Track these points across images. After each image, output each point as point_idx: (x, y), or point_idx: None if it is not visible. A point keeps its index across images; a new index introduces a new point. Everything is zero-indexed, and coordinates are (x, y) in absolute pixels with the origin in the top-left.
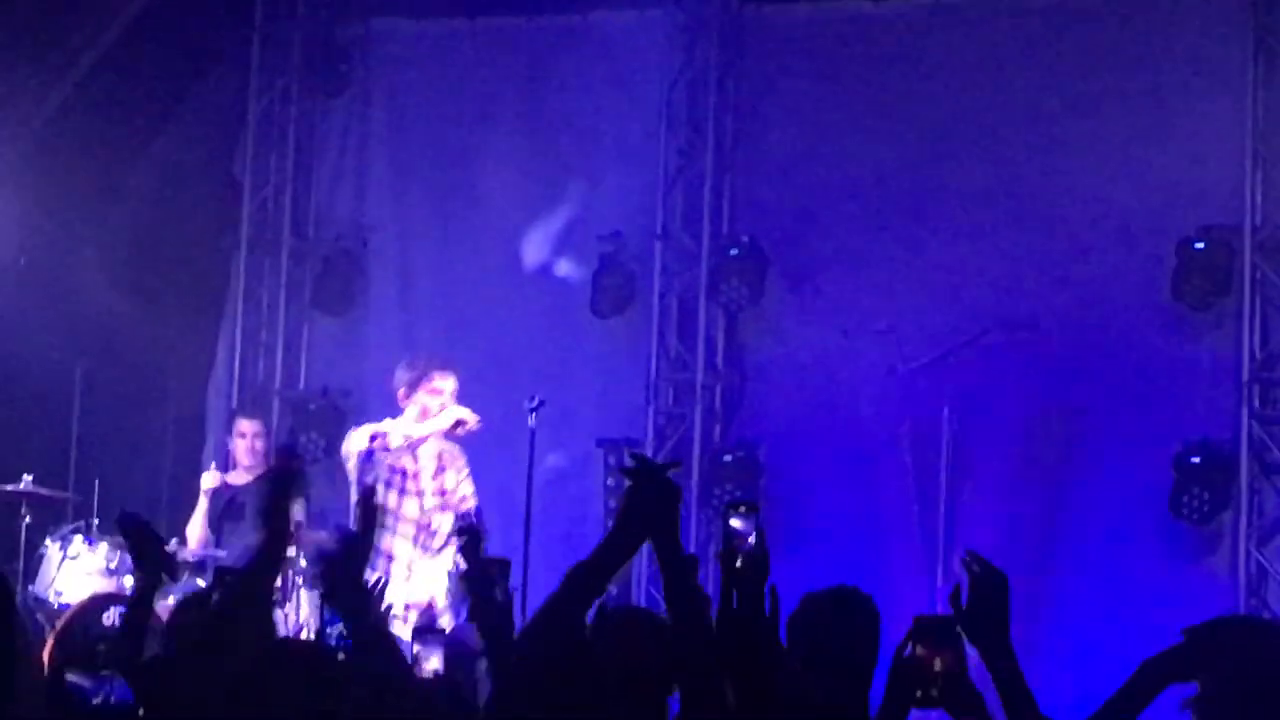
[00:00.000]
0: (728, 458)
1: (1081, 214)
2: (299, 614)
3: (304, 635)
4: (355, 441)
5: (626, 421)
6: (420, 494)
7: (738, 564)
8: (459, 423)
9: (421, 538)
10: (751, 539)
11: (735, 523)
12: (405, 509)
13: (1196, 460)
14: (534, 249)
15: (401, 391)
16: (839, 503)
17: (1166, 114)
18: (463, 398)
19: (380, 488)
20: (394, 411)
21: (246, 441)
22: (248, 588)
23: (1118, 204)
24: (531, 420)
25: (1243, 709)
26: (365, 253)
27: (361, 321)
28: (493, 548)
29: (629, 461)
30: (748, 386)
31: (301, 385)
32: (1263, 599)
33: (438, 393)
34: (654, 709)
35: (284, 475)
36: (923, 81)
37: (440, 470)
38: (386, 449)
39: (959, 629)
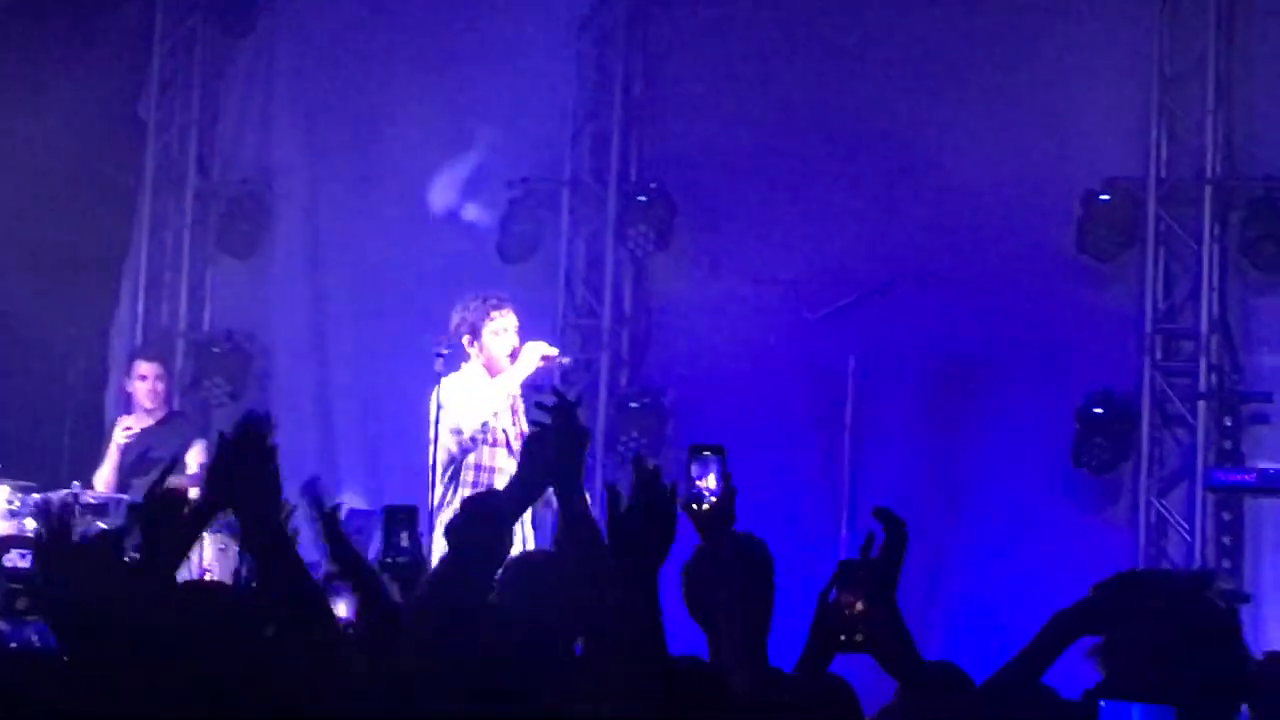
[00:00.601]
0: (634, 404)
1: (988, 166)
2: (203, 559)
3: (208, 578)
4: (469, 423)
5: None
6: (509, 444)
7: (699, 509)
8: (545, 357)
9: None
10: (712, 483)
11: (698, 467)
12: (499, 461)
13: (1099, 411)
14: (442, 194)
15: (467, 339)
16: (744, 449)
17: (1073, 65)
18: (368, 343)
19: (486, 450)
20: (303, 357)
21: (147, 384)
22: (177, 533)
23: (1024, 156)
24: (439, 365)
25: (1144, 659)
26: (272, 195)
27: (267, 264)
28: (399, 493)
29: (548, 400)
30: (654, 333)
31: (206, 328)
32: (1161, 548)
33: (502, 332)
34: (560, 656)
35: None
36: (831, 31)
37: (515, 414)
38: (496, 415)
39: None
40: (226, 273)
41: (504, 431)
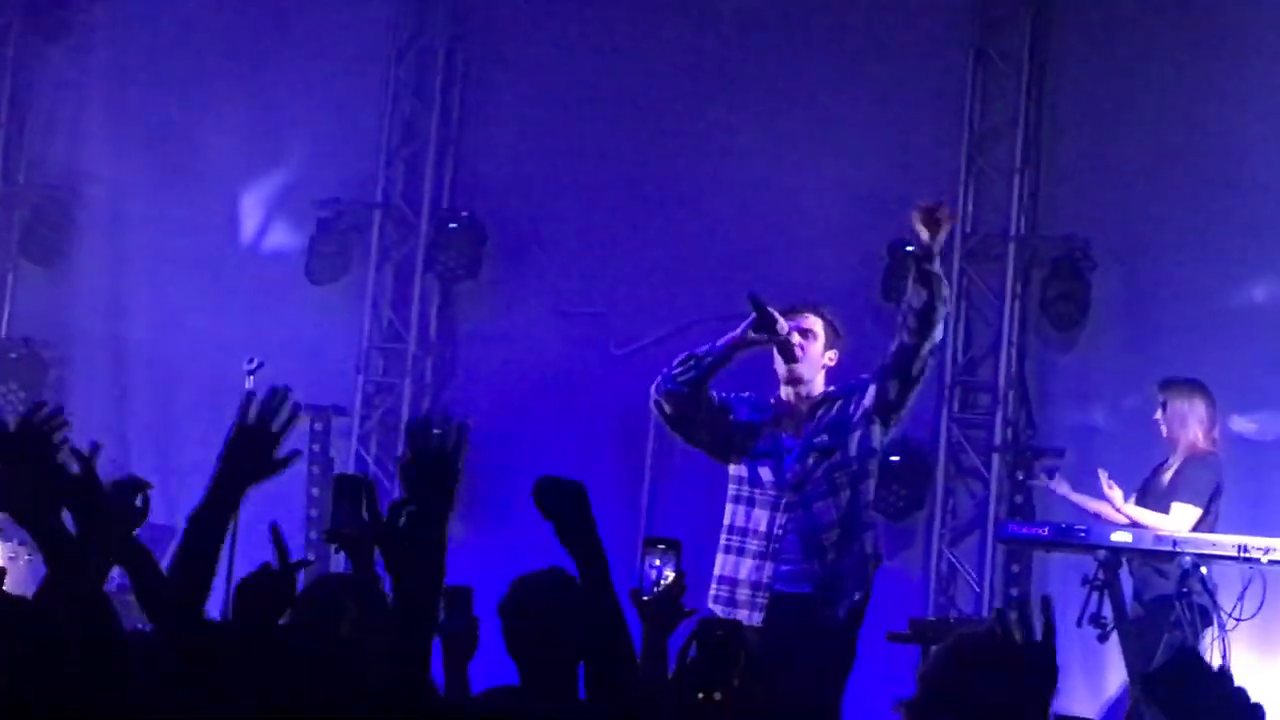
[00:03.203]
0: (436, 431)
1: (799, 210)
2: None
3: None
4: None
5: (336, 389)
6: None
7: (646, 600)
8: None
9: None
10: (667, 578)
11: (653, 560)
12: None
13: (896, 459)
14: (251, 212)
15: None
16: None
17: (886, 117)
18: (172, 361)
19: None
20: (101, 368)
21: None
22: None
23: (834, 202)
24: (249, 382)
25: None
26: (77, 204)
27: (70, 273)
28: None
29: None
30: (460, 360)
31: (3, 334)
32: (950, 597)
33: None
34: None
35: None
36: (649, 67)
37: None
38: None
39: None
40: (27, 279)
41: None
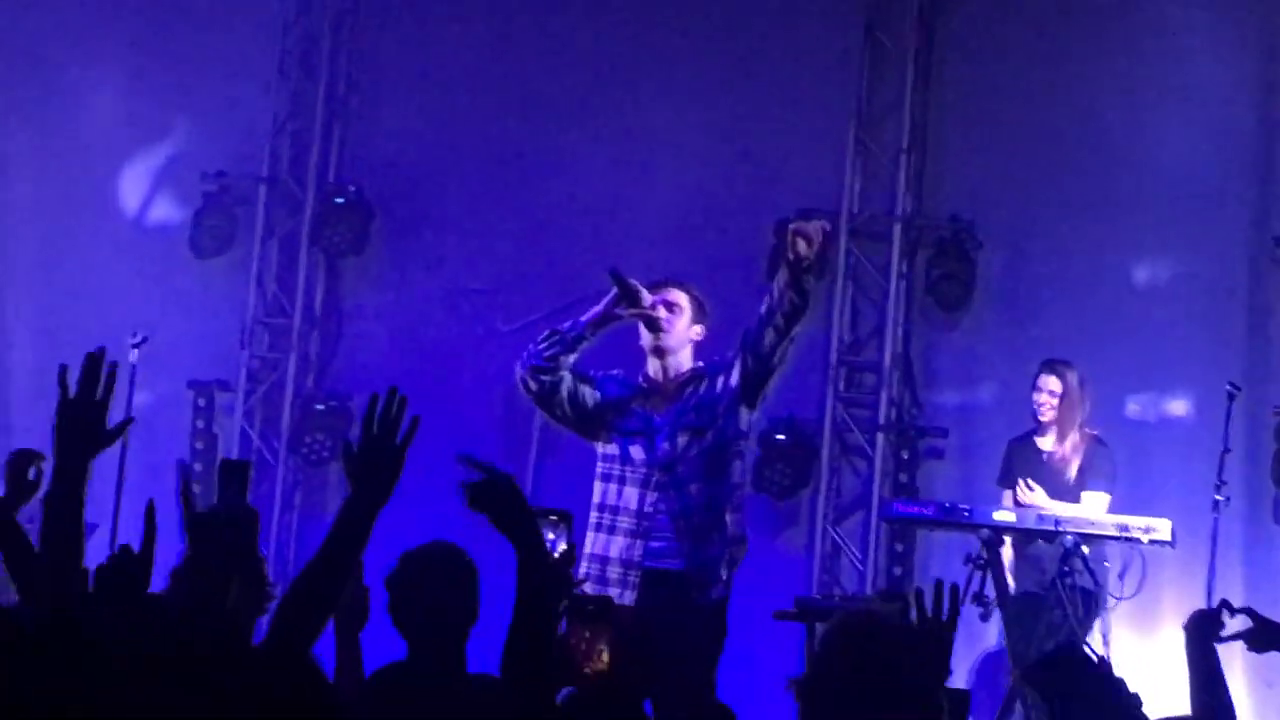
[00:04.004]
0: (320, 406)
1: (687, 189)
2: None
3: None
4: None
5: (220, 364)
6: None
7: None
8: None
9: None
10: (559, 549)
11: (544, 531)
12: None
13: (782, 437)
14: (135, 185)
15: None
16: (432, 458)
17: (775, 97)
18: (56, 334)
19: None
20: None
21: None
22: None
23: (722, 181)
24: (133, 356)
25: (837, 693)
26: None
27: None
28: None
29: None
30: (345, 336)
31: None
32: (834, 575)
33: None
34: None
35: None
36: (539, 42)
37: None
38: None
39: None
40: None
41: None
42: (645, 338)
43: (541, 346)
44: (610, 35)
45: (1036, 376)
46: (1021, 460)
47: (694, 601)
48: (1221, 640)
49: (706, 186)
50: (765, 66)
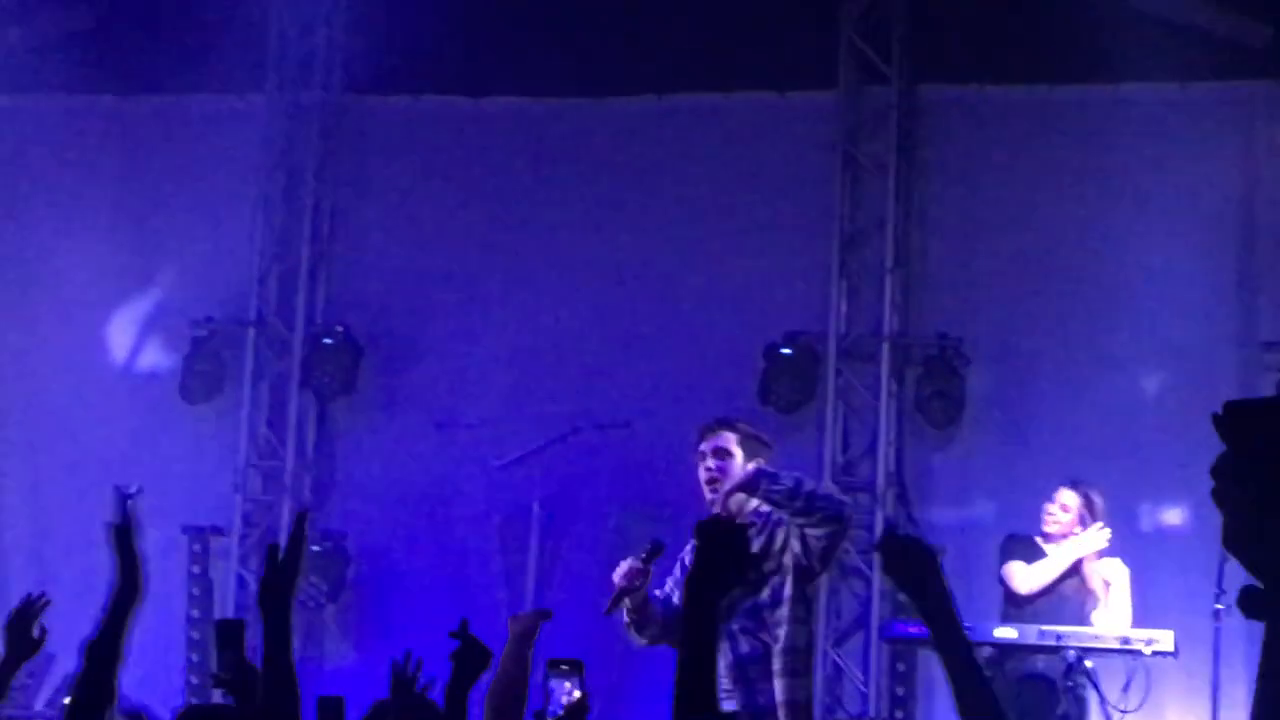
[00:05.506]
0: (316, 548)
1: (676, 315)
2: None
3: None
4: None
5: (214, 509)
6: None
7: None
8: None
9: None
10: (573, 696)
11: (557, 680)
12: None
13: None
14: (123, 333)
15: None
16: (428, 593)
17: (760, 221)
18: (48, 485)
19: None
20: None
21: None
22: None
23: (712, 308)
24: (130, 506)
25: None
26: None
27: None
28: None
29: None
30: (338, 476)
31: None
32: (837, 697)
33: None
34: None
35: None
36: (521, 177)
37: None
38: None
39: None
40: None
41: None
42: (706, 495)
43: (631, 635)
44: (591, 164)
45: (1056, 490)
46: (1021, 554)
47: None
48: None
49: (693, 315)
50: (746, 194)
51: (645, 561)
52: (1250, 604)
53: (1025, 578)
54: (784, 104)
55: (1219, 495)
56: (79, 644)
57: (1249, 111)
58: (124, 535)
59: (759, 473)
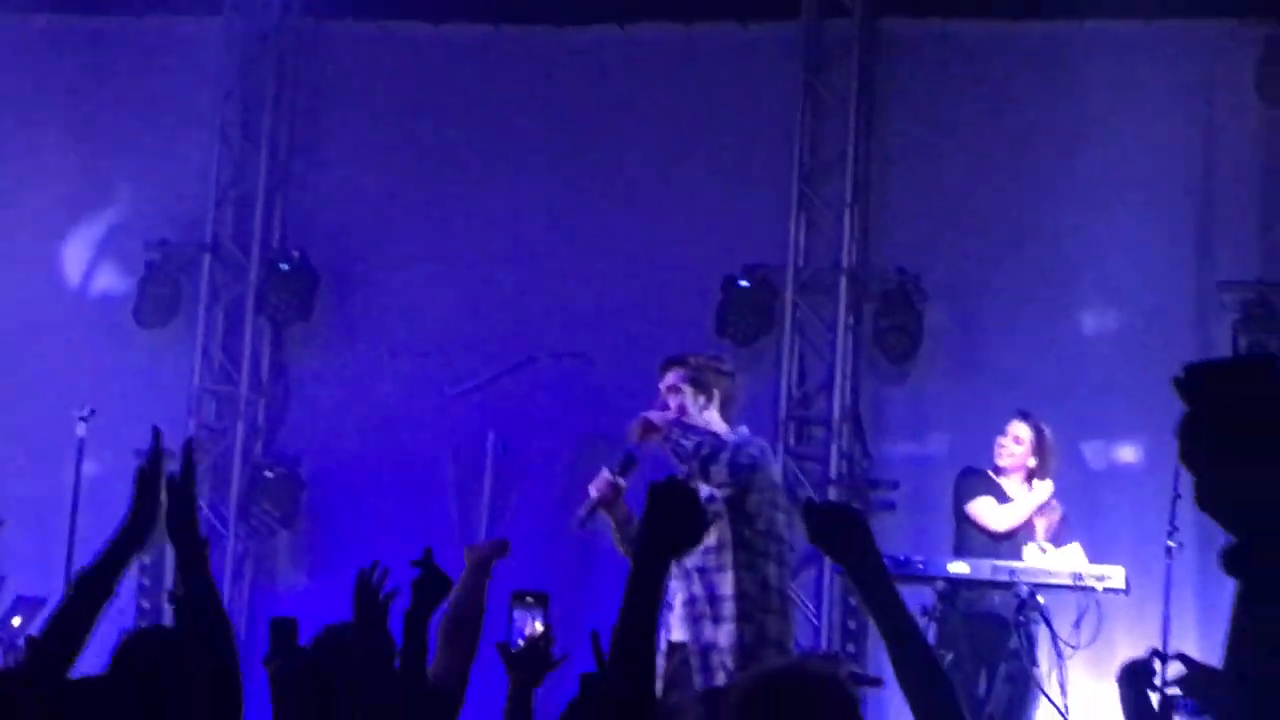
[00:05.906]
0: (269, 473)
1: (634, 247)
2: None
3: None
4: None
5: (167, 434)
6: None
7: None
8: None
9: None
10: (535, 628)
11: (521, 613)
12: None
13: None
14: (78, 255)
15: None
16: (382, 520)
17: (721, 155)
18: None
19: None
20: None
21: None
22: None
23: (670, 239)
24: (81, 429)
25: None
26: None
27: None
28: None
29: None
30: (292, 402)
31: None
32: None
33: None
34: None
35: None
36: (481, 105)
37: None
38: None
39: None
40: None
41: None
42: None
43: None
44: (554, 98)
45: (1008, 423)
46: (987, 489)
47: None
48: (1155, 689)
49: (652, 247)
50: (707, 126)
51: (619, 474)
52: (1232, 561)
53: (999, 517)
54: (746, 35)
55: (1187, 457)
56: (27, 564)
57: (1212, 49)
58: (149, 480)
59: (675, 422)
